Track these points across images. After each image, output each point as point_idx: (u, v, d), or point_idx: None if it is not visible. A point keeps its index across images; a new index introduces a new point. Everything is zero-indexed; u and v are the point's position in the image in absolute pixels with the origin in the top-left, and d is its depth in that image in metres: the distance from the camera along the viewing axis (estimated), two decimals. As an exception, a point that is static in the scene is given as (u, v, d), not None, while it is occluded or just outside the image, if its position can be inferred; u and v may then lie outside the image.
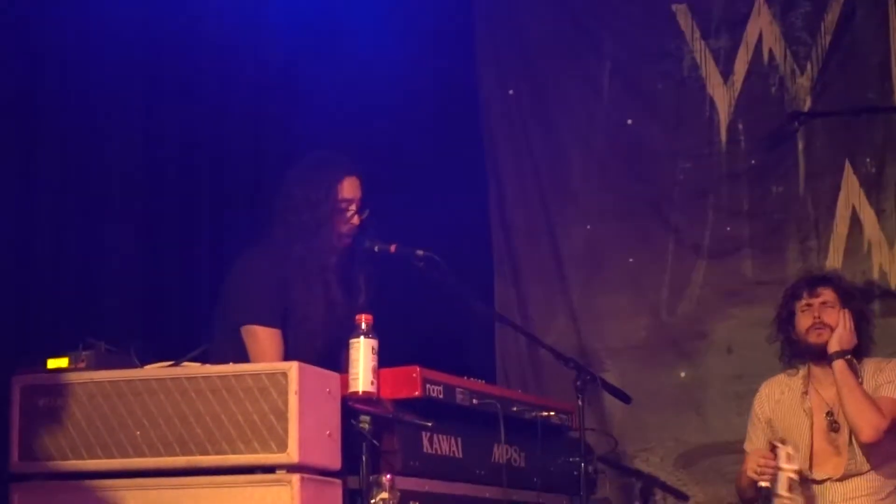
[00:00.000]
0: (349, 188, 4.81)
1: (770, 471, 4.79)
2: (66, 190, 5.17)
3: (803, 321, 5.07)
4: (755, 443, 5.17)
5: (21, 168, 4.98)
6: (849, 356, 4.95)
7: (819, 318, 5.03)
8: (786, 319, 5.18)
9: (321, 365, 4.13)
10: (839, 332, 4.98)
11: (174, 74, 5.70)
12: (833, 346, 4.96)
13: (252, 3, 6.04)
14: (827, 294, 5.08)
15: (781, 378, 5.21)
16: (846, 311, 5.03)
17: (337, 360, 4.38)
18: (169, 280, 5.54)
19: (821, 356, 5.01)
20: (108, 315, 5.15)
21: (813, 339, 5.03)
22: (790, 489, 4.71)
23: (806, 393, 5.09)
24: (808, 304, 5.10)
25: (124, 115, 5.46)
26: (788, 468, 4.72)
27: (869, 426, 4.85)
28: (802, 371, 5.13)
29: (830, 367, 4.96)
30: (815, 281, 5.17)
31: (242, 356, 4.59)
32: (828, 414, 5.00)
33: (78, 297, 5.06)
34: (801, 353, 5.12)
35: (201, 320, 4.92)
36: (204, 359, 4.07)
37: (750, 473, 4.87)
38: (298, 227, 4.73)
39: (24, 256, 4.91)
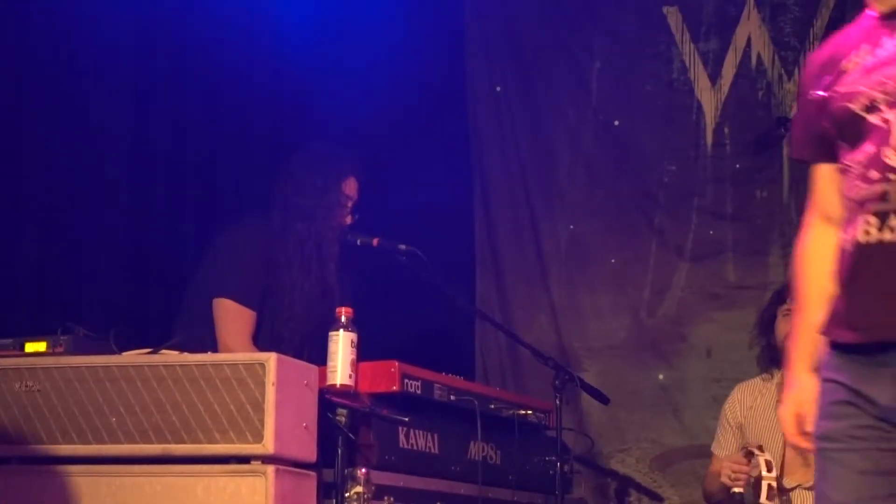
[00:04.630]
0: (351, 187, 4.86)
1: (744, 477, 4.79)
2: (51, 174, 5.14)
3: (783, 326, 5.01)
4: (725, 447, 5.17)
5: (4, 151, 4.96)
6: None
7: None
8: (767, 323, 5.17)
9: (308, 350, 4.13)
10: None
11: (164, 62, 5.67)
12: None
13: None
14: None
15: (756, 382, 5.22)
16: None
17: (324, 347, 4.37)
18: (152, 267, 5.52)
19: None
20: (89, 300, 5.14)
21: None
22: (769, 497, 4.71)
23: (780, 401, 5.07)
24: (790, 310, 5.08)
25: (114, 101, 5.44)
26: (769, 476, 4.73)
27: None
28: (777, 378, 5.12)
29: None
30: None
31: (211, 330, 4.59)
32: None
33: (59, 282, 5.04)
34: (777, 360, 5.09)
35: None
36: (180, 345, 4.07)
37: (724, 479, 4.87)
38: (300, 210, 4.74)
39: (4, 239, 4.89)
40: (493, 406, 4.72)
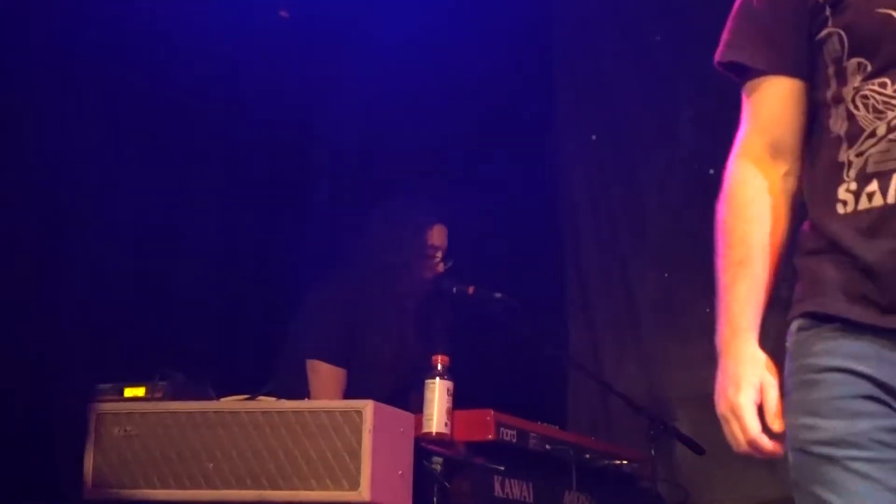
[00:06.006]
0: (438, 235, 4.86)
1: None
2: (144, 220, 5.17)
3: None
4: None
5: (101, 198, 5.00)
6: None
7: None
8: None
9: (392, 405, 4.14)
10: None
11: (256, 96, 5.64)
12: None
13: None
14: None
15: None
16: None
17: (405, 405, 4.38)
18: (248, 310, 5.53)
19: None
20: (184, 345, 5.16)
21: None
22: None
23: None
24: None
25: (202, 151, 5.46)
26: None
27: None
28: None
29: None
30: None
31: (306, 388, 4.62)
32: None
33: (155, 326, 5.07)
34: None
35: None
36: (275, 390, 4.09)
37: None
38: (381, 268, 4.75)
39: (103, 282, 4.93)
40: (587, 456, 4.69)
